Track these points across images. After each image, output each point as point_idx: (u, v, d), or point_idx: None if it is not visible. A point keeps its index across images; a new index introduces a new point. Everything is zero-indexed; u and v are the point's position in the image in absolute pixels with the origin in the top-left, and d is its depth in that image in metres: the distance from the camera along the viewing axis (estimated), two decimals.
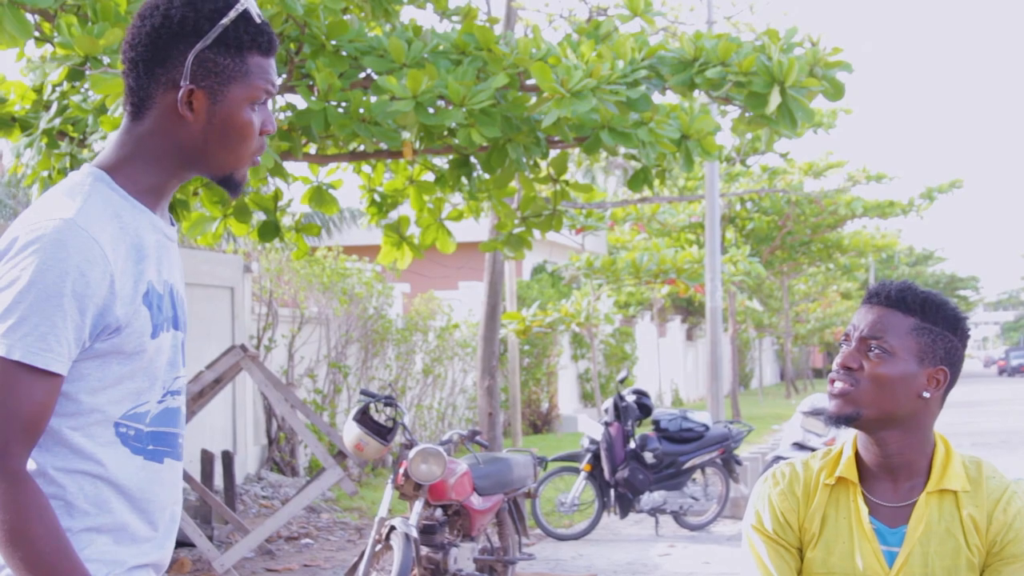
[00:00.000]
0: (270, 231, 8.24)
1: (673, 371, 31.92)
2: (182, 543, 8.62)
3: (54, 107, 6.99)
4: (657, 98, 7.58)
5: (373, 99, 7.00)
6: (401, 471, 6.79)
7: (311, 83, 7.03)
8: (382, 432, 6.92)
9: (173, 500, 2.09)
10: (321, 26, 6.83)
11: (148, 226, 2.04)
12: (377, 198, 8.90)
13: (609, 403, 10.76)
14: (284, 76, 6.97)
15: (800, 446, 10.09)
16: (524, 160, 7.37)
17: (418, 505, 6.78)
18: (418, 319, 16.35)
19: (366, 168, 8.88)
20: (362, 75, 7.27)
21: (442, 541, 6.97)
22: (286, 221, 8.79)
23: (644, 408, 10.85)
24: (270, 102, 2.12)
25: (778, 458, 10.05)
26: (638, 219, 23.34)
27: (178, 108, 2.02)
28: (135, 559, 2.01)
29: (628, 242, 22.95)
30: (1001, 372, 66.94)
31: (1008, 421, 24.56)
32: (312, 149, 8.02)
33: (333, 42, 6.95)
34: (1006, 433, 21.15)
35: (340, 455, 8.35)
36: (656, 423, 10.93)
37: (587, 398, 24.32)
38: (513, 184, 8.76)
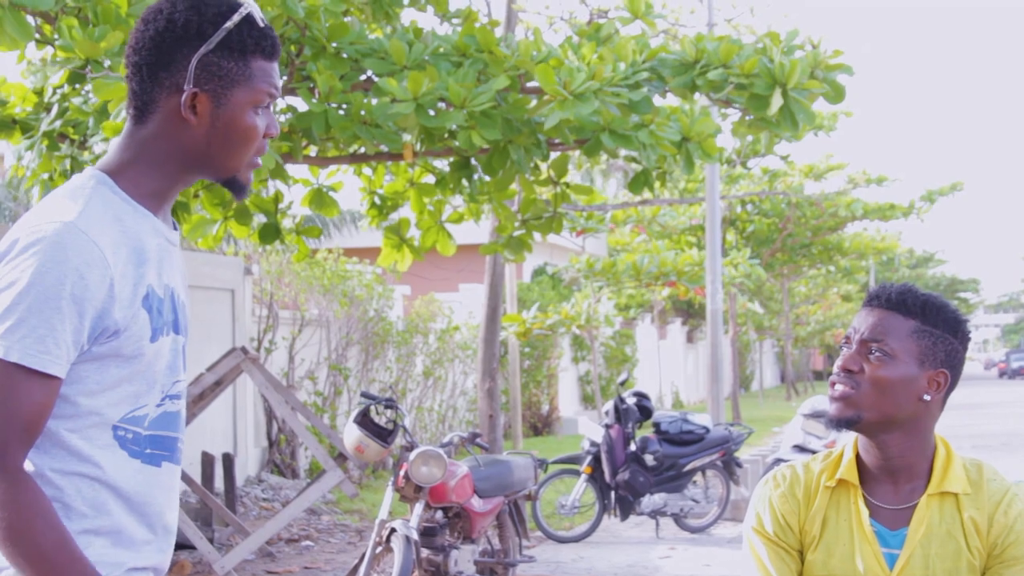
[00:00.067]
0: (271, 233, 8.24)
1: (674, 373, 31.92)
2: (183, 545, 8.62)
3: (55, 109, 7.00)
4: (658, 100, 7.58)
5: (374, 101, 7.00)
6: (402, 473, 6.79)
7: (312, 85, 7.03)
8: (383, 434, 6.92)
9: (170, 504, 2.09)
10: (322, 28, 6.83)
11: (150, 230, 2.04)
12: (377, 200, 8.91)
13: (610, 405, 10.76)
14: (285, 78, 6.98)
15: (801, 448, 10.09)
16: (525, 162, 7.38)
17: (419, 507, 6.78)
18: (419, 321, 16.35)
19: (366, 170, 8.88)
20: (363, 77, 7.28)
21: (443, 543, 6.97)
22: (287, 223, 8.79)
23: (645, 410, 10.85)
24: (273, 105, 2.12)
25: (779, 460, 10.06)
26: (639, 221, 23.34)
27: (182, 112, 2.02)
28: (133, 561, 2.00)
29: (628, 244, 22.96)
30: (1002, 375, 66.89)
31: (1008, 424, 24.55)
32: (312, 151, 8.02)
33: (334, 44, 6.95)
34: (1007, 435, 21.14)
35: (341, 457, 8.35)
36: (657, 425, 10.93)
37: (587, 400, 24.32)
38: (513, 186, 8.77)
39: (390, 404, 7.06)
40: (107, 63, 6.15)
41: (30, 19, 6.45)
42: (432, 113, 6.74)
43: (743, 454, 13.18)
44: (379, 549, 6.60)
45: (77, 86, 6.85)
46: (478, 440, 7.48)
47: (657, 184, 8.08)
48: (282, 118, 7.28)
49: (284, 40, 6.88)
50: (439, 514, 7.06)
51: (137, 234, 2.01)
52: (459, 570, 6.99)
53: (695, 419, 10.99)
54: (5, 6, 5.85)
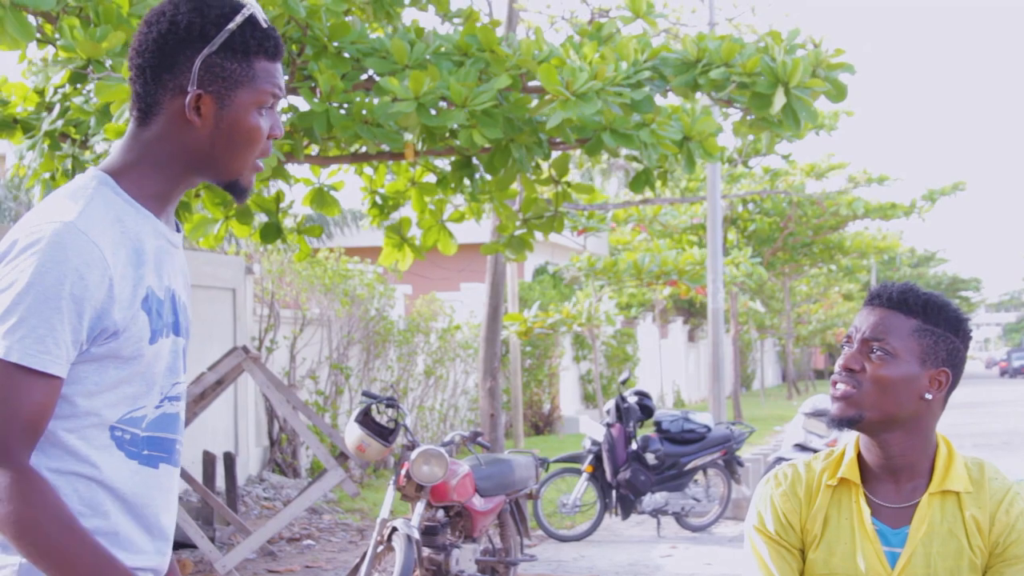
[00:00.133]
0: (272, 233, 8.25)
1: (675, 372, 31.92)
2: (184, 544, 8.63)
3: (56, 109, 7.00)
4: (659, 100, 7.58)
5: (375, 100, 7.00)
6: (403, 472, 6.79)
7: (313, 85, 7.03)
8: (384, 433, 6.92)
9: (168, 506, 2.09)
10: (323, 28, 6.83)
11: (151, 231, 2.04)
12: (379, 200, 8.91)
13: (611, 404, 10.76)
14: (286, 78, 6.98)
15: (802, 447, 10.10)
16: (526, 161, 7.38)
17: (420, 506, 6.78)
18: (420, 320, 16.35)
19: (368, 170, 8.88)
20: (364, 77, 7.28)
21: (444, 542, 6.97)
22: (288, 223, 8.79)
23: (646, 409, 10.85)
24: (277, 106, 2.12)
25: (780, 459, 10.06)
26: (640, 220, 23.35)
27: (185, 113, 2.02)
28: (131, 563, 2.00)
29: (630, 243, 22.96)
30: (1003, 373, 66.87)
31: (1010, 422, 24.55)
32: (314, 151, 8.02)
33: (335, 44, 6.95)
34: (1008, 434, 21.14)
35: (342, 456, 8.36)
36: (658, 424, 10.93)
37: (589, 399, 24.32)
38: (515, 186, 8.77)
39: (391, 403, 7.06)
40: (109, 63, 6.15)
41: (31, 19, 6.46)
42: (433, 112, 6.74)
43: (744, 453, 13.18)
44: (380, 548, 6.60)
45: (79, 86, 6.86)
46: (479, 439, 7.49)
47: (658, 183, 8.08)
48: (283, 117, 7.29)
49: (286, 39, 6.88)
50: (440, 513, 7.06)
51: (137, 235, 2.01)
52: (460, 569, 6.99)
53: (696, 418, 10.99)
54: (6, 6, 5.85)
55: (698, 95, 7.60)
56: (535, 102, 7.12)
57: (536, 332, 16.97)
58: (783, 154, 26.32)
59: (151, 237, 2.03)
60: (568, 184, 8.57)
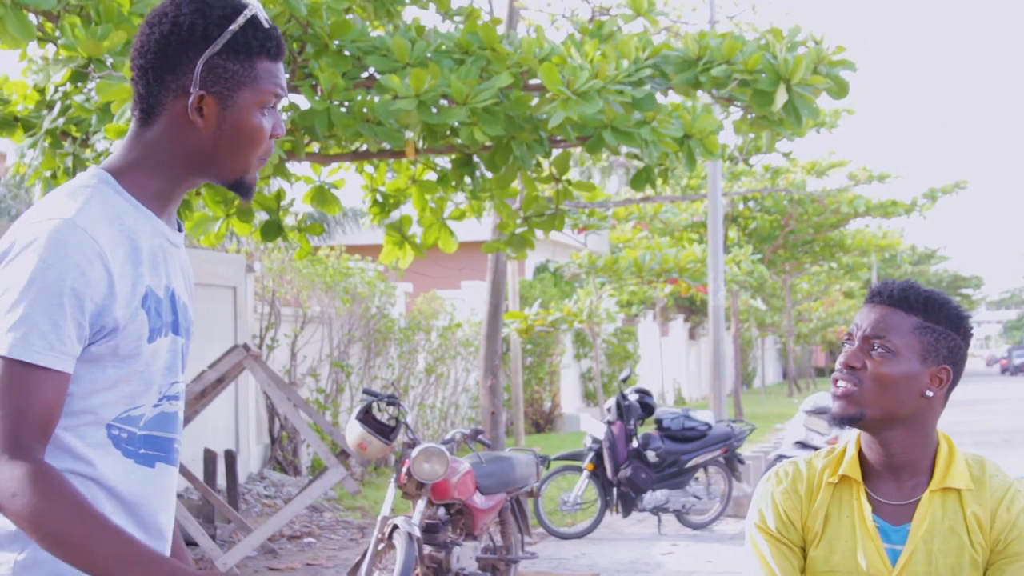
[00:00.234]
0: (273, 231, 8.25)
1: (676, 370, 31.92)
2: (185, 542, 8.63)
3: (57, 107, 7.00)
4: (660, 98, 7.58)
5: (376, 98, 7.00)
6: (404, 470, 6.80)
7: (314, 83, 7.03)
8: (385, 431, 6.93)
9: (164, 505, 2.08)
10: (324, 26, 6.83)
11: (151, 231, 2.04)
12: (379, 198, 8.91)
13: (612, 402, 10.77)
14: (287, 76, 6.98)
15: (803, 445, 10.10)
16: (527, 159, 7.38)
17: (421, 504, 6.78)
18: (421, 318, 16.36)
19: (368, 168, 8.88)
20: (365, 75, 7.28)
21: (445, 540, 6.97)
22: (289, 221, 8.79)
23: (647, 407, 10.85)
24: (279, 105, 2.12)
25: (781, 457, 10.06)
26: (640, 218, 23.35)
27: (188, 114, 2.02)
28: None
29: (630, 240, 22.96)
30: (1004, 371, 66.89)
31: (1011, 420, 24.55)
32: (315, 148, 8.02)
33: (336, 42, 6.95)
34: (1009, 432, 21.14)
35: (343, 454, 8.36)
36: (659, 422, 10.93)
37: (589, 397, 24.33)
38: (515, 184, 8.77)
39: (392, 401, 7.06)
40: (110, 61, 6.15)
41: (32, 17, 6.46)
42: (434, 110, 6.74)
43: (745, 451, 13.18)
44: (381, 546, 6.61)
45: (80, 84, 6.86)
46: (480, 437, 7.49)
47: (659, 181, 8.08)
48: (284, 116, 7.29)
49: (287, 38, 6.88)
50: (441, 511, 7.07)
51: (137, 234, 2.01)
52: (461, 567, 7.00)
53: (697, 416, 11.00)
54: (7, 5, 5.85)
55: (699, 93, 7.60)
56: (536, 100, 7.12)
57: (537, 330, 16.97)
58: (784, 152, 26.32)
59: (150, 236, 2.03)
60: (569, 182, 8.57)
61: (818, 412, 10.03)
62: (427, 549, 6.87)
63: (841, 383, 2.41)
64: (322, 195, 8.34)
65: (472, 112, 6.71)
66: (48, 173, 7.32)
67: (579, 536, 10.47)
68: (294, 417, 8.54)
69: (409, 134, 7.18)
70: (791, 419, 12.02)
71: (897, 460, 2.43)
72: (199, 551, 8.69)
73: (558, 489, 11.28)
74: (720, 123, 7.79)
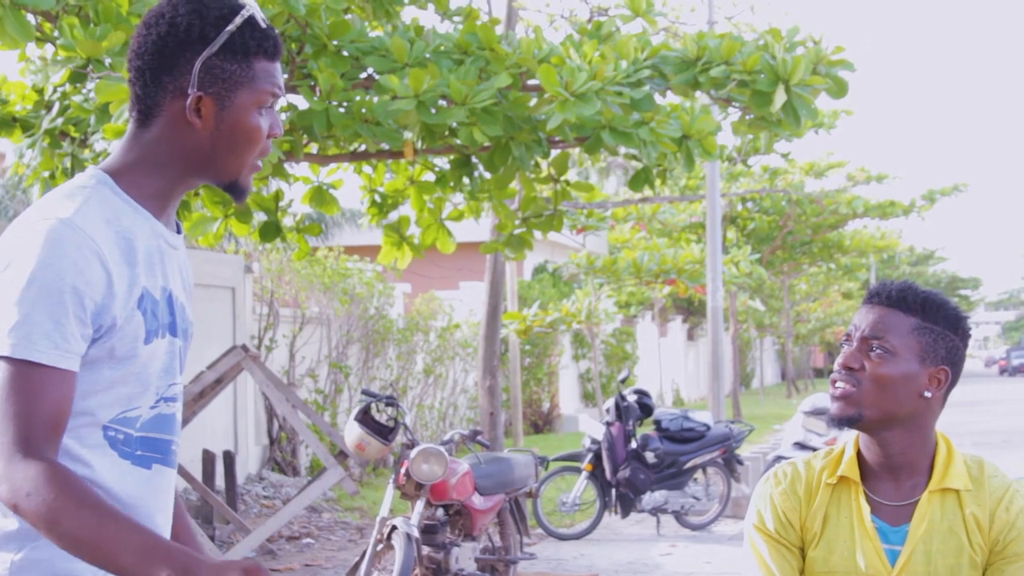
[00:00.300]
0: (271, 231, 8.24)
1: (674, 371, 31.92)
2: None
3: (55, 107, 7.00)
4: (658, 98, 7.58)
5: (375, 99, 7.00)
6: (402, 471, 6.80)
7: (313, 83, 7.03)
8: (383, 432, 6.92)
9: (162, 507, 2.08)
10: (323, 26, 6.83)
11: (148, 232, 2.04)
12: (378, 198, 8.91)
13: (610, 403, 10.77)
14: (286, 76, 6.98)
15: (801, 446, 10.09)
16: (526, 159, 7.38)
17: (419, 505, 6.78)
18: (419, 319, 16.36)
19: (367, 168, 8.88)
20: (364, 75, 7.27)
21: (443, 541, 6.97)
22: (287, 221, 8.79)
23: (645, 408, 10.85)
24: (276, 105, 2.12)
25: (779, 458, 10.06)
26: (639, 219, 23.35)
27: (186, 115, 2.02)
28: None
29: (629, 241, 22.97)
30: (1002, 372, 66.92)
31: (1009, 421, 24.56)
32: (313, 149, 8.02)
33: (335, 42, 6.95)
34: (1007, 433, 21.15)
35: (341, 455, 8.36)
36: (657, 423, 10.93)
37: (588, 398, 24.33)
38: (514, 185, 8.77)
39: (391, 402, 7.06)
40: (108, 62, 6.15)
41: (31, 18, 6.45)
42: (433, 111, 6.74)
43: (744, 452, 13.19)
44: (380, 546, 6.60)
45: (78, 84, 6.85)
46: (479, 438, 7.49)
47: (658, 181, 8.08)
48: (283, 116, 7.29)
49: (285, 38, 6.88)
50: (440, 511, 7.07)
51: (133, 235, 2.01)
52: (460, 567, 7.00)
53: (696, 416, 11.00)
54: (6, 5, 5.85)
55: (698, 94, 7.60)
56: (534, 101, 7.12)
57: (535, 331, 16.98)
58: (782, 153, 26.33)
59: (148, 237, 2.03)
60: (567, 183, 8.57)
61: (817, 413, 10.03)
62: (426, 550, 6.87)
63: (839, 384, 2.41)
64: (320, 196, 8.34)
65: (471, 112, 6.70)
66: (47, 173, 7.31)
67: (578, 537, 10.47)
68: (293, 418, 8.54)
69: (408, 134, 7.18)
70: (790, 420, 12.03)
71: (896, 461, 2.43)
72: None
73: (557, 490, 11.28)
74: (719, 124, 7.79)
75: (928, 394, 2.41)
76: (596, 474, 10.63)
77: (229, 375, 8.76)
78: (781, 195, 25.53)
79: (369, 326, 14.85)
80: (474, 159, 7.90)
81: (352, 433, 6.87)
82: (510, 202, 9.21)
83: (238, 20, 2.02)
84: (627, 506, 10.60)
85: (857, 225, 30.32)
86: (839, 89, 7.39)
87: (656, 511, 10.61)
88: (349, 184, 9.25)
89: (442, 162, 8.62)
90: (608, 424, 10.62)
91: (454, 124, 6.91)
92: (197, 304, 10.77)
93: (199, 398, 8.72)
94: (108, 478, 1.98)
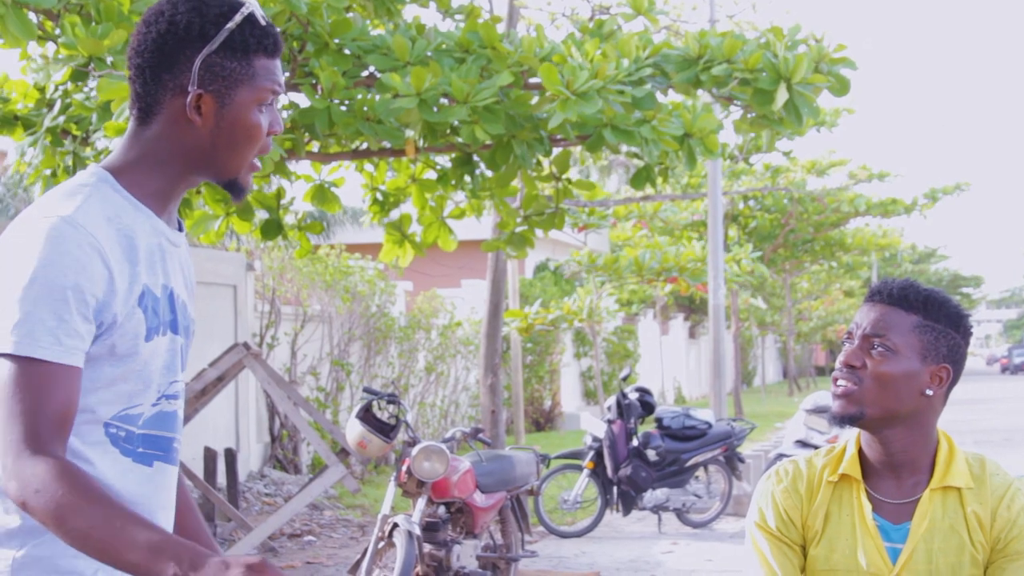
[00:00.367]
0: (273, 229, 8.24)
1: (676, 369, 31.92)
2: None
3: (57, 105, 7.00)
4: (660, 97, 7.58)
5: (377, 97, 7.00)
6: (404, 468, 6.80)
7: (315, 81, 7.03)
8: (385, 430, 6.93)
9: (163, 504, 2.08)
10: (324, 24, 6.83)
11: (149, 229, 2.04)
12: (379, 196, 8.91)
13: (612, 401, 10.77)
14: (287, 75, 6.98)
15: (803, 444, 10.10)
16: (528, 157, 7.38)
17: (421, 502, 6.79)
18: (421, 317, 16.36)
19: (368, 167, 8.88)
20: (365, 73, 7.27)
21: (445, 538, 6.97)
22: (289, 219, 8.79)
23: (647, 406, 10.85)
24: (276, 102, 2.12)
25: (781, 456, 10.06)
26: (641, 217, 23.34)
27: (186, 113, 2.02)
28: None
29: (630, 239, 22.96)
30: (1004, 370, 66.90)
31: (1011, 419, 24.55)
32: (315, 147, 8.02)
33: (336, 40, 6.95)
34: (1009, 431, 21.14)
35: (343, 452, 8.36)
36: (659, 421, 10.94)
37: (590, 396, 24.33)
38: (515, 183, 8.77)
39: (392, 399, 7.06)
40: (110, 60, 6.15)
41: (32, 16, 6.45)
42: (435, 109, 6.74)
43: (745, 449, 13.19)
44: (381, 544, 6.61)
45: (80, 83, 6.86)
46: (480, 435, 7.49)
47: (659, 180, 8.08)
48: (284, 114, 7.29)
49: (287, 36, 6.88)
50: (441, 509, 7.07)
51: (134, 232, 2.01)
52: (461, 565, 7.00)
53: (697, 414, 11.00)
54: (8, 4, 5.85)
55: (699, 92, 7.60)
56: (536, 99, 7.12)
57: (537, 328, 16.97)
58: (784, 151, 26.32)
59: (149, 235, 2.03)
60: (569, 181, 8.57)
61: (818, 411, 10.03)
62: (427, 547, 6.87)
63: (841, 382, 2.41)
64: (322, 194, 8.34)
65: (473, 111, 6.71)
66: (48, 172, 7.31)
67: (579, 535, 10.48)
68: (294, 415, 8.54)
69: (409, 133, 7.18)
70: (791, 418, 12.03)
71: (897, 459, 2.44)
72: None
73: (558, 488, 11.28)
74: (720, 122, 7.79)
75: (929, 392, 2.41)
76: (597, 472, 10.63)
77: (231, 373, 8.77)
78: (783, 193, 25.52)
79: (371, 324, 14.85)
80: (476, 157, 7.90)
81: (354, 431, 6.87)
82: (511, 200, 9.21)
83: (238, 17, 2.02)
84: (628, 504, 10.60)
85: (859, 223, 30.31)
86: (841, 87, 7.39)
87: (657, 509, 10.61)
88: (351, 182, 9.25)
89: (444, 160, 8.62)
90: (609, 422, 10.62)
91: (456, 122, 6.91)
92: (199, 302, 10.77)
93: (201, 395, 8.72)
94: (109, 475, 1.98)
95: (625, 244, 23.06)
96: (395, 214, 8.97)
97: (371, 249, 16.68)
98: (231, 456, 10.15)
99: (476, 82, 6.76)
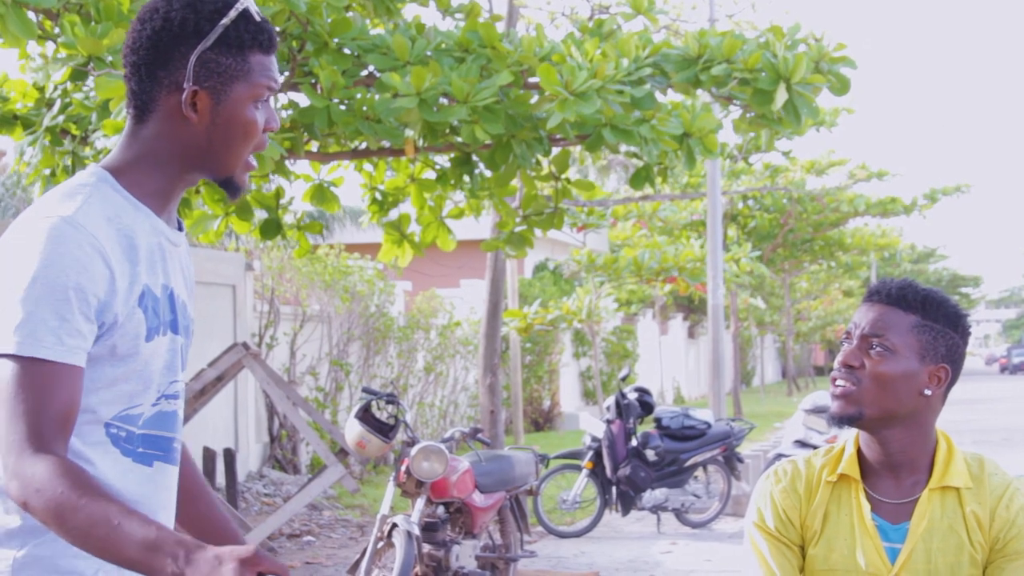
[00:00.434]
0: (272, 229, 8.24)
1: (675, 369, 31.93)
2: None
3: (56, 105, 6.99)
4: (660, 96, 7.58)
5: (376, 97, 7.00)
6: (403, 468, 6.80)
7: (314, 81, 7.03)
8: (384, 430, 6.93)
9: (164, 504, 2.08)
10: (324, 24, 6.83)
11: (149, 229, 2.04)
12: (378, 196, 8.91)
13: (611, 401, 10.77)
14: (287, 74, 6.98)
15: (802, 443, 10.10)
16: (527, 157, 7.38)
17: (420, 503, 6.79)
18: (420, 317, 16.36)
19: (367, 166, 8.88)
20: (364, 73, 7.27)
21: (444, 538, 6.97)
22: (288, 219, 8.79)
23: (646, 406, 10.85)
24: (272, 99, 2.12)
25: (780, 456, 10.06)
26: (640, 216, 23.35)
27: (182, 110, 2.02)
28: None
29: (629, 238, 22.96)
30: (1003, 370, 66.92)
31: (1010, 419, 24.56)
32: (314, 147, 8.02)
33: (336, 40, 6.95)
34: (1008, 431, 21.15)
35: (342, 453, 8.36)
36: (658, 421, 10.94)
37: (589, 396, 24.33)
38: (514, 182, 8.77)
39: (391, 399, 7.06)
40: (109, 59, 6.15)
41: (32, 15, 6.45)
42: (435, 109, 6.74)
43: (744, 449, 13.19)
44: (380, 544, 6.61)
45: (79, 82, 6.85)
46: (479, 435, 7.49)
47: (658, 179, 8.08)
48: (284, 114, 7.29)
49: (286, 36, 6.88)
50: (440, 509, 7.07)
51: (134, 232, 2.01)
52: (460, 565, 7.00)
53: (696, 414, 11.00)
54: (8, 3, 5.85)
55: (699, 92, 7.60)
56: (535, 98, 7.12)
57: (536, 328, 16.97)
58: (783, 150, 26.34)
59: (148, 235, 2.03)
60: (568, 180, 8.57)
61: (817, 411, 10.03)
62: (426, 547, 6.87)
63: (840, 382, 2.41)
64: (321, 193, 8.34)
65: (473, 111, 6.70)
66: (47, 171, 7.31)
67: (578, 535, 10.48)
68: (293, 415, 8.54)
69: (409, 132, 7.18)
70: (790, 418, 12.03)
71: (896, 459, 2.44)
72: None
73: (557, 488, 11.28)
74: (720, 122, 7.79)
75: (928, 392, 2.41)
76: (596, 472, 10.63)
77: (230, 373, 8.77)
78: (782, 193, 25.53)
79: (370, 324, 14.85)
80: (475, 157, 7.90)
81: (353, 431, 6.87)
82: (511, 200, 9.21)
83: (232, 14, 2.02)
84: (627, 504, 10.60)
85: (858, 223, 30.32)
86: (841, 86, 7.39)
87: (656, 509, 10.61)
88: (350, 182, 9.26)
89: (443, 160, 8.62)
90: (608, 422, 10.62)
91: (455, 122, 6.91)
92: (198, 302, 10.76)
93: (200, 395, 8.72)
94: (110, 476, 1.98)
95: (624, 244, 23.07)
96: (394, 214, 8.97)
97: (370, 249, 16.68)
98: (230, 456, 10.15)
99: (476, 82, 6.76)
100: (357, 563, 6.67)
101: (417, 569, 6.66)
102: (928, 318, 2.41)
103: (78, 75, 6.61)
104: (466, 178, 8.14)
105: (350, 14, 7.14)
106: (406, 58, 6.90)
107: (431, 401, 16.50)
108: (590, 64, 6.78)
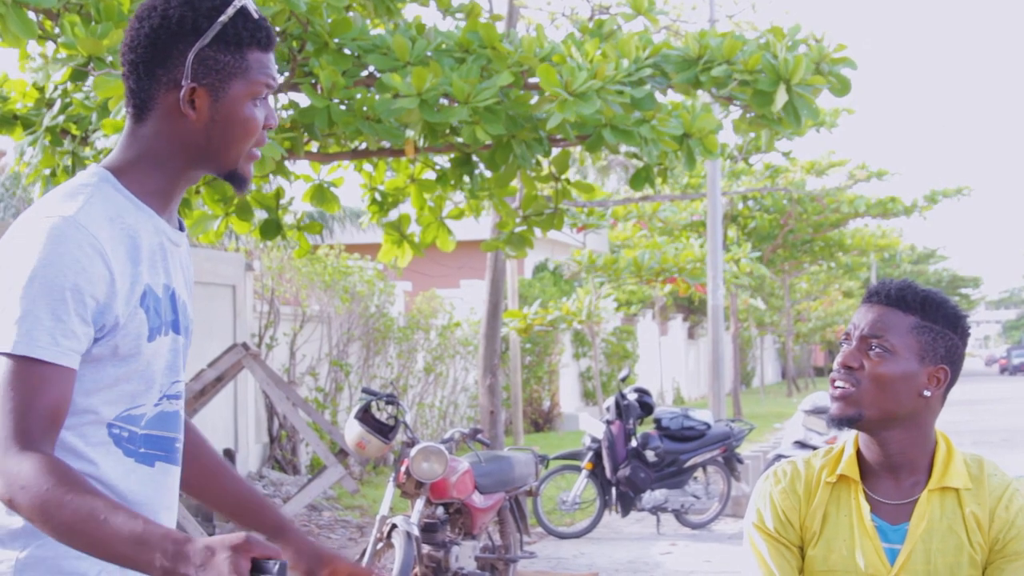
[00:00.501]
0: (272, 229, 8.24)
1: (675, 369, 31.92)
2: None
3: (57, 105, 6.99)
4: (660, 97, 7.58)
5: (377, 97, 7.00)
6: (403, 469, 6.80)
7: (314, 81, 7.03)
8: (384, 430, 6.93)
9: (166, 504, 2.08)
10: (324, 24, 6.83)
11: (151, 229, 2.04)
12: (378, 197, 8.91)
13: (611, 401, 10.77)
14: (287, 74, 6.98)
15: (802, 444, 10.10)
16: (527, 157, 7.38)
17: (419, 503, 6.79)
18: (420, 317, 16.36)
19: (367, 167, 8.88)
20: (365, 73, 7.27)
21: (443, 539, 6.97)
22: (288, 219, 8.79)
23: (646, 406, 10.86)
24: (271, 97, 2.12)
25: (780, 456, 10.07)
26: (640, 217, 23.35)
27: (180, 107, 2.02)
28: None
29: (629, 239, 22.97)
30: (1003, 371, 66.93)
31: (1009, 420, 24.56)
32: (314, 147, 8.02)
33: (336, 40, 6.95)
34: (1007, 431, 21.15)
35: (342, 453, 8.36)
36: (658, 421, 10.94)
37: (588, 396, 24.33)
38: (514, 183, 8.77)
39: (391, 400, 7.06)
40: (109, 59, 6.15)
41: (32, 15, 6.45)
42: (435, 109, 6.74)
43: (744, 450, 13.19)
44: (380, 545, 6.61)
45: (79, 82, 6.85)
46: (479, 436, 7.49)
47: (658, 180, 8.08)
48: (284, 114, 7.29)
49: (287, 36, 6.88)
50: (440, 510, 7.07)
51: (136, 232, 2.01)
52: (460, 566, 7.00)
53: (696, 415, 11.00)
54: (8, 3, 5.85)
55: (699, 92, 7.60)
56: (535, 99, 7.12)
57: (536, 329, 16.97)
58: (784, 151, 26.34)
59: (150, 234, 2.03)
60: (568, 181, 8.57)
61: (817, 412, 10.04)
62: (426, 548, 6.87)
63: (839, 384, 2.41)
64: (321, 194, 8.34)
65: (473, 111, 6.70)
66: (47, 171, 7.31)
67: (578, 535, 10.48)
68: (293, 416, 8.54)
69: (409, 133, 7.18)
70: (790, 419, 12.03)
71: (895, 460, 2.44)
72: None
73: (557, 488, 11.28)
74: (720, 122, 7.79)
75: (927, 393, 2.41)
76: (596, 473, 10.63)
77: (229, 373, 8.76)
78: (782, 193, 25.53)
79: (370, 324, 14.85)
80: (475, 157, 7.90)
81: (352, 431, 6.87)
82: (511, 200, 9.21)
83: (230, 11, 2.02)
84: (627, 505, 10.60)
85: (858, 224, 30.32)
86: (841, 87, 7.39)
87: (656, 510, 10.61)
88: (350, 182, 9.26)
89: (443, 160, 8.62)
90: (608, 423, 10.62)
91: (455, 122, 6.91)
92: (198, 302, 10.77)
93: (200, 396, 8.72)
94: (112, 476, 1.98)
95: (624, 244, 23.07)
96: (394, 214, 8.97)
97: (370, 249, 16.69)
98: (230, 456, 10.16)
99: (476, 82, 6.76)
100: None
101: (416, 570, 6.66)
102: (927, 319, 2.41)
103: (78, 75, 6.61)
104: (466, 178, 8.14)
105: (350, 14, 7.14)
106: (406, 58, 6.90)
107: (431, 402, 16.50)
108: (590, 64, 6.78)
